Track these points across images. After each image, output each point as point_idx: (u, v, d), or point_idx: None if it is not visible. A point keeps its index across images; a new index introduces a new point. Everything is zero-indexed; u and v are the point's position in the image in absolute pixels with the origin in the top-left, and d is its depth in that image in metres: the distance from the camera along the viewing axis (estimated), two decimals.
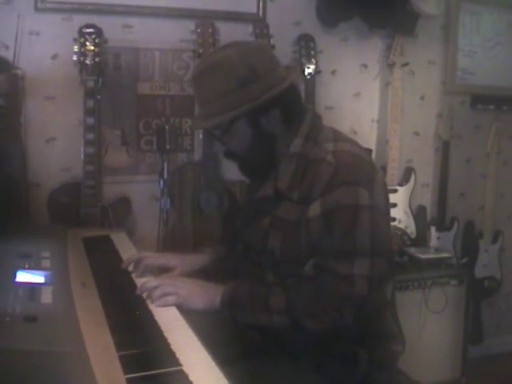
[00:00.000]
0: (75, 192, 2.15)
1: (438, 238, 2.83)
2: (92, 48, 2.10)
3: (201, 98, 1.45)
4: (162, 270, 1.61)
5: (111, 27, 2.23)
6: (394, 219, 2.69)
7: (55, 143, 2.28)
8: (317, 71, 2.46)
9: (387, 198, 1.47)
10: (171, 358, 1.05)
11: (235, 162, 1.52)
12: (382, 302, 1.44)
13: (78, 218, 2.13)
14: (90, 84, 2.10)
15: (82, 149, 2.12)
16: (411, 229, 2.74)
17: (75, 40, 2.11)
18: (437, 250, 2.75)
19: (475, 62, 2.92)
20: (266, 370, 1.36)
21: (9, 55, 2.14)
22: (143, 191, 2.41)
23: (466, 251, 2.95)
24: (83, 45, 2.10)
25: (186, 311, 1.35)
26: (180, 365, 1.03)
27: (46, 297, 1.17)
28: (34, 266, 1.35)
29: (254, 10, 2.50)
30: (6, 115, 2.09)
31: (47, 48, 2.22)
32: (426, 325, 2.52)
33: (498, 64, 2.96)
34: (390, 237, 1.52)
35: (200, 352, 1.11)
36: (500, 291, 3.06)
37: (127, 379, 0.95)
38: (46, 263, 1.40)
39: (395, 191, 2.70)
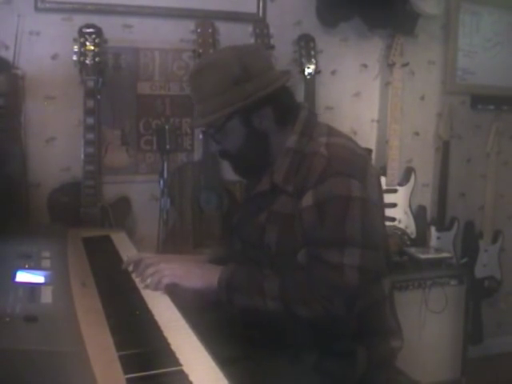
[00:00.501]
0: (75, 192, 2.15)
1: (438, 237, 2.83)
2: (92, 48, 2.10)
3: (196, 97, 1.49)
4: None
5: (111, 27, 2.23)
6: (393, 219, 2.69)
7: (55, 143, 2.28)
8: (317, 71, 2.46)
9: (381, 193, 1.49)
10: (171, 358, 1.04)
11: (229, 162, 1.56)
12: (380, 297, 1.45)
13: (78, 218, 2.13)
14: (90, 84, 2.10)
15: (82, 149, 2.13)
16: (411, 229, 2.74)
17: (75, 40, 2.11)
18: (437, 249, 2.75)
19: (475, 62, 2.92)
20: (266, 370, 1.37)
21: (9, 55, 2.15)
22: (143, 191, 2.41)
23: (466, 251, 2.95)
24: (83, 45, 2.10)
25: (182, 291, 1.39)
26: (180, 365, 1.02)
27: (46, 297, 1.17)
28: (34, 266, 1.35)
29: (254, 10, 2.50)
30: (6, 115, 2.09)
31: (47, 48, 2.22)
32: (426, 325, 2.51)
33: (498, 64, 2.96)
34: (384, 231, 1.54)
35: (200, 352, 1.10)
36: (500, 291, 3.06)
37: (127, 379, 0.95)
38: (46, 263, 1.40)
39: (395, 191, 2.70)
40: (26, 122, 2.21)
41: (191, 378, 0.98)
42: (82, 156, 2.13)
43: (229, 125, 1.44)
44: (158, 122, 2.40)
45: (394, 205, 2.69)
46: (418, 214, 2.82)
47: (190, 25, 2.30)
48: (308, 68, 2.44)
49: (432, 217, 2.89)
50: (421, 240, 2.79)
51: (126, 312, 1.28)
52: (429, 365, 2.49)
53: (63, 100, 2.26)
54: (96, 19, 2.18)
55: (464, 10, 2.86)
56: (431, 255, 2.68)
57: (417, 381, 1.64)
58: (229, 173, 2.30)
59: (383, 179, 2.66)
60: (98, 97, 2.13)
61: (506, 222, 3.12)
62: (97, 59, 2.10)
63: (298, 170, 1.40)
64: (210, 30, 2.27)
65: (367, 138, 2.75)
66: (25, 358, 0.90)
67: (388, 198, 2.68)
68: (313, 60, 2.45)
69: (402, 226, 2.71)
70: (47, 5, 2.20)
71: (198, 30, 2.27)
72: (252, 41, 2.35)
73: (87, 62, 2.10)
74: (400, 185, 2.73)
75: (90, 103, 2.10)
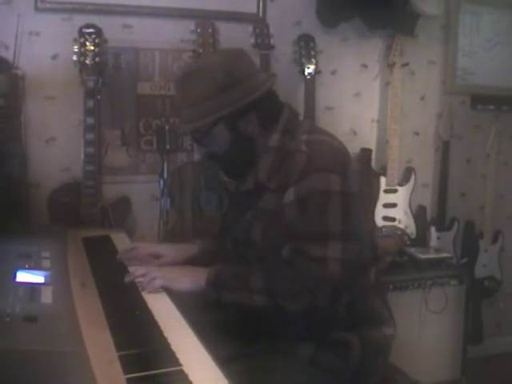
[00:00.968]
0: (75, 192, 2.15)
1: (438, 237, 2.83)
2: (92, 48, 2.10)
3: (182, 103, 1.52)
4: (155, 258, 1.67)
5: (111, 27, 2.23)
6: (393, 219, 2.69)
7: (55, 143, 2.28)
8: (317, 71, 2.46)
9: (361, 187, 1.51)
10: (171, 358, 1.05)
11: (215, 163, 1.61)
12: (367, 287, 1.48)
13: (78, 218, 2.13)
14: (90, 84, 2.10)
15: (82, 149, 2.13)
16: (411, 229, 2.74)
17: (75, 40, 2.11)
18: (437, 250, 2.75)
19: (475, 62, 2.92)
20: (263, 367, 1.39)
21: (9, 55, 2.14)
22: (143, 191, 2.41)
23: (466, 251, 2.95)
24: (83, 45, 2.10)
25: (174, 294, 1.41)
26: (180, 365, 1.03)
27: (46, 297, 1.17)
28: (34, 266, 1.35)
29: (254, 10, 2.50)
30: (6, 115, 2.09)
31: (47, 48, 2.22)
32: (426, 325, 2.51)
33: (498, 64, 2.96)
34: (369, 222, 1.57)
35: (200, 352, 1.11)
36: (500, 291, 3.05)
37: (127, 379, 0.95)
38: (46, 263, 1.40)
39: (395, 191, 2.70)
40: (25, 122, 2.20)
41: (191, 377, 0.98)
42: (82, 156, 2.13)
43: (214, 130, 1.48)
44: (158, 122, 2.40)
45: (393, 205, 2.69)
46: (418, 214, 2.82)
47: (190, 25, 2.30)
48: (308, 68, 2.44)
49: (432, 217, 2.89)
50: (421, 240, 2.78)
51: (126, 312, 1.28)
52: (429, 365, 2.49)
53: (63, 100, 2.26)
54: (96, 19, 2.18)
55: (464, 10, 2.86)
56: (431, 255, 2.68)
57: (416, 381, 1.64)
58: None
59: (383, 179, 2.66)
60: (98, 97, 2.13)
61: (505, 222, 3.12)
62: (97, 59, 2.11)
63: (281, 168, 1.44)
64: (210, 30, 2.27)
65: (367, 138, 2.74)
66: (25, 358, 0.90)
67: (388, 198, 2.68)
68: (313, 60, 2.45)
69: (401, 226, 2.71)
70: (47, 5, 2.20)
71: (198, 30, 2.27)
72: (252, 41, 2.36)
73: (87, 62, 2.10)
74: (400, 185, 2.72)
75: (90, 103, 2.10)
